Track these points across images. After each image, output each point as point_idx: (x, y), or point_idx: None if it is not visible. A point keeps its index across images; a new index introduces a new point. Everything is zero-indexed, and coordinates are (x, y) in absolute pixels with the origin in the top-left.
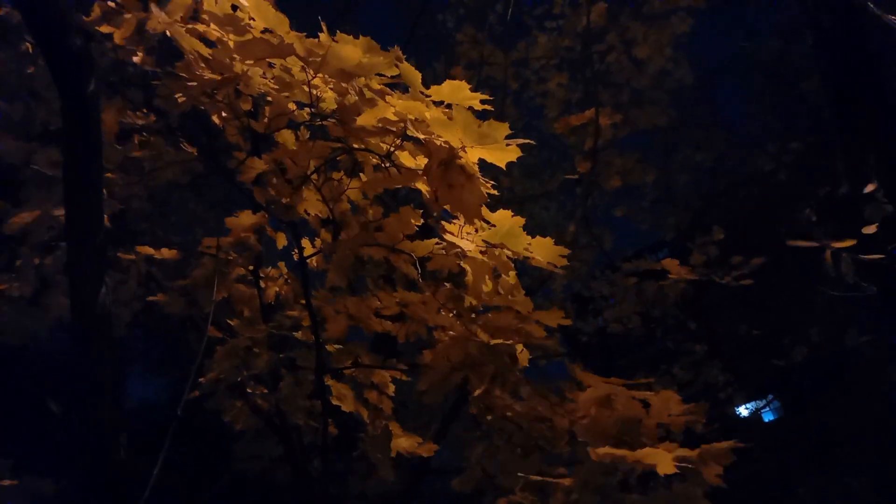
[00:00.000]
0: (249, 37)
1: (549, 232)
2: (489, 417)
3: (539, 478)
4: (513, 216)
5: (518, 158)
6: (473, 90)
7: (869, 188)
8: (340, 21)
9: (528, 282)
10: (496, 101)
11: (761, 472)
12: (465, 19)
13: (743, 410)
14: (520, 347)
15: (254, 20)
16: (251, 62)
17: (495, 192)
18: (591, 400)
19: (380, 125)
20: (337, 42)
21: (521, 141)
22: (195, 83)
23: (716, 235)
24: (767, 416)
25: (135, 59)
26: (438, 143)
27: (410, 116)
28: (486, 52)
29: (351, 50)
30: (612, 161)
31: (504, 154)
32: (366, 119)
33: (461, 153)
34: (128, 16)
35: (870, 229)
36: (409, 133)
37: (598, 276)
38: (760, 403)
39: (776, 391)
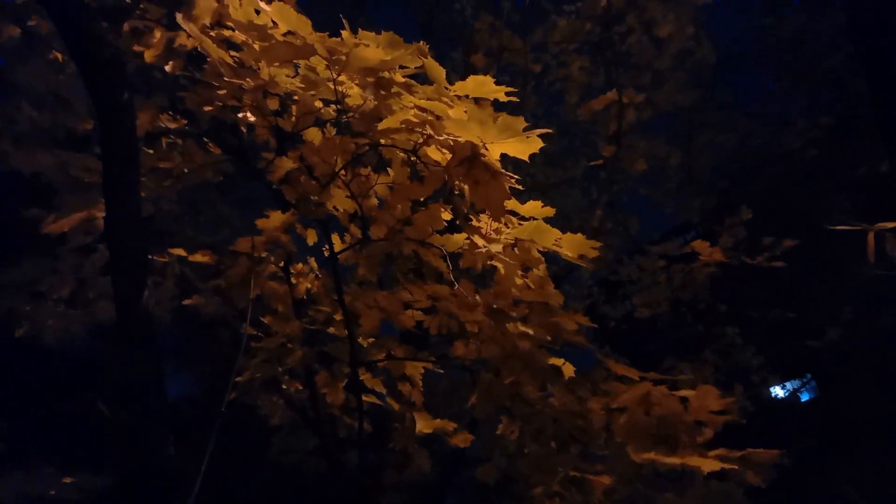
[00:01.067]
0: (273, 41)
1: (575, 219)
2: (521, 409)
3: (578, 474)
4: (542, 206)
5: (539, 146)
6: (494, 79)
7: None
8: (356, 14)
9: (555, 269)
10: (517, 88)
11: (799, 451)
12: (481, 7)
13: (779, 391)
14: (561, 361)
15: (277, 24)
16: (277, 65)
17: (520, 188)
18: (628, 399)
19: (403, 126)
20: (359, 40)
21: (541, 131)
22: (224, 90)
23: (744, 215)
24: (805, 396)
25: (166, 67)
26: (460, 141)
27: (429, 117)
28: (504, 39)
29: (373, 51)
30: (636, 144)
31: (525, 146)
32: (388, 123)
33: (483, 150)
34: (157, 35)
35: None
36: (428, 134)
37: (626, 260)
38: (797, 384)
39: (812, 371)
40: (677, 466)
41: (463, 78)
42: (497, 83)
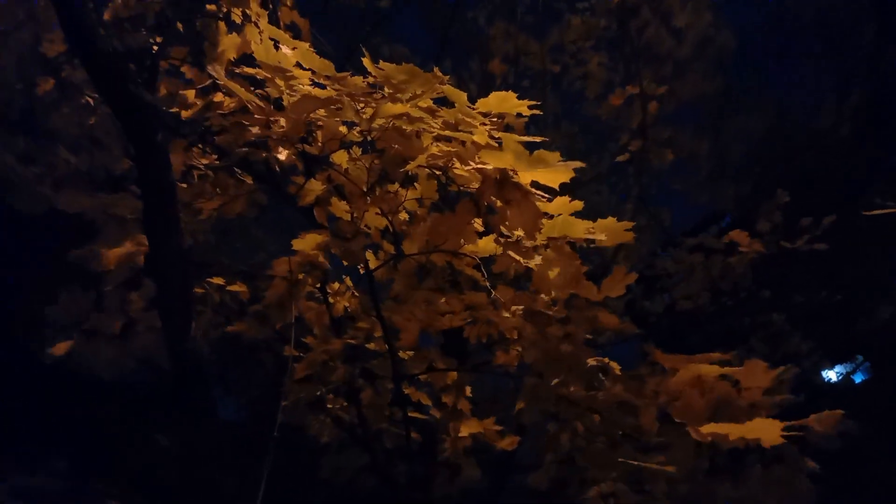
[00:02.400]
0: (296, 82)
1: (606, 216)
2: (568, 410)
3: (635, 465)
4: (570, 201)
5: (563, 145)
6: (509, 84)
7: None
8: (373, 34)
9: (591, 268)
10: (536, 91)
11: (857, 436)
12: (495, 14)
13: (832, 375)
14: (606, 360)
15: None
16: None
17: (544, 205)
18: (682, 382)
19: (429, 160)
20: (381, 70)
21: (573, 164)
22: (256, 128)
23: (780, 199)
24: (858, 378)
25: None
26: (488, 168)
27: (454, 148)
28: (520, 44)
29: (399, 106)
30: (662, 136)
31: (556, 175)
32: (415, 164)
33: (512, 174)
34: (196, 99)
35: None
36: (455, 172)
37: (661, 254)
38: (850, 367)
39: (865, 353)
40: (739, 443)
41: (481, 87)
42: (516, 87)
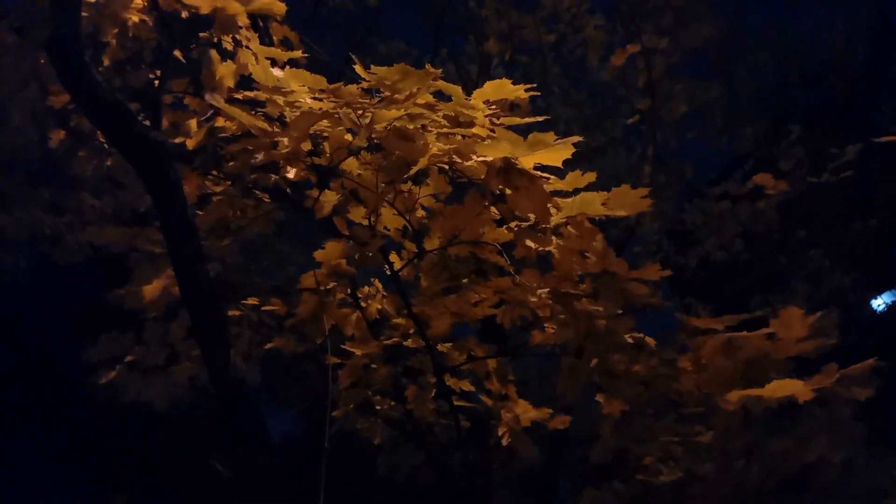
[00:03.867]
0: (294, 97)
1: (626, 179)
2: (611, 382)
3: (676, 439)
4: (582, 174)
5: (573, 115)
6: (506, 63)
7: None
8: (368, 34)
9: (617, 233)
10: (536, 64)
11: None
12: None
13: (879, 304)
14: (641, 335)
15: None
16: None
17: (557, 181)
18: (710, 349)
19: (431, 161)
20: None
21: (572, 139)
22: (262, 153)
23: (795, 134)
24: None
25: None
26: (490, 159)
27: (452, 146)
28: (513, 20)
29: (393, 111)
30: (671, 90)
31: (557, 154)
32: (417, 167)
33: (515, 161)
34: (195, 128)
35: None
36: (456, 169)
37: (687, 207)
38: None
39: None
40: (772, 403)
41: (480, 69)
42: (515, 64)
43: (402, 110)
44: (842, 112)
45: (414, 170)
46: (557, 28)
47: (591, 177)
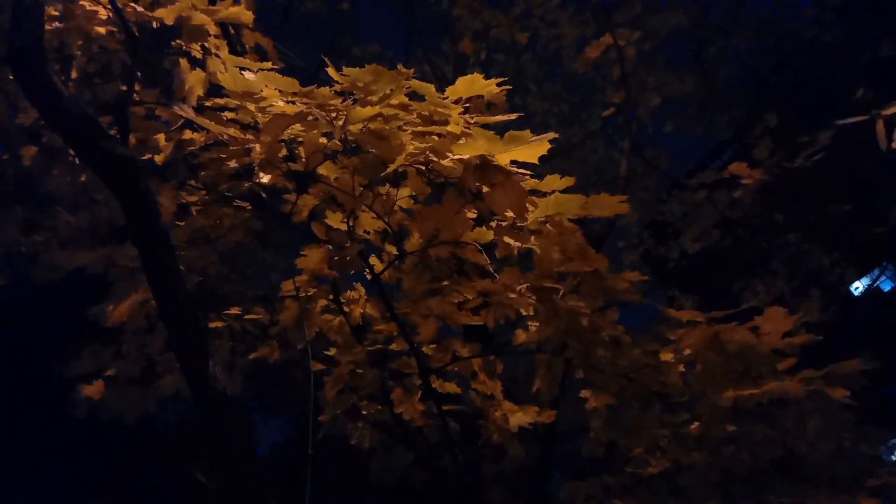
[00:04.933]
0: (267, 103)
1: (606, 172)
2: (596, 375)
3: (664, 433)
4: (561, 176)
5: (549, 109)
6: (482, 61)
7: None
8: (341, 36)
9: (598, 227)
10: (511, 61)
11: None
12: None
13: (858, 286)
14: (621, 328)
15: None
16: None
17: (536, 183)
18: (697, 344)
19: (408, 161)
20: (348, 79)
21: (548, 136)
22: (233, 161)
23: (769, 122)
24: (886, 286)
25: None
26: (467, 156)
27: (428, 144)
28: (487, 18)
29: (368, 110)
30: (644, 80)
31: (533, 150)
32: (394, 166)
33: (491, 158)
34: (164, 143)
35: None
36: (433, 168)
37: (667, 198)
38: (875, 275)
39: (889, 258)
40: (761, 397)
41: (455, 68)
42: (490, 62)
43: (377, 108)
44: (816, 95)
45: (391, 168)
46: (531, 24)
47: (569, 181)
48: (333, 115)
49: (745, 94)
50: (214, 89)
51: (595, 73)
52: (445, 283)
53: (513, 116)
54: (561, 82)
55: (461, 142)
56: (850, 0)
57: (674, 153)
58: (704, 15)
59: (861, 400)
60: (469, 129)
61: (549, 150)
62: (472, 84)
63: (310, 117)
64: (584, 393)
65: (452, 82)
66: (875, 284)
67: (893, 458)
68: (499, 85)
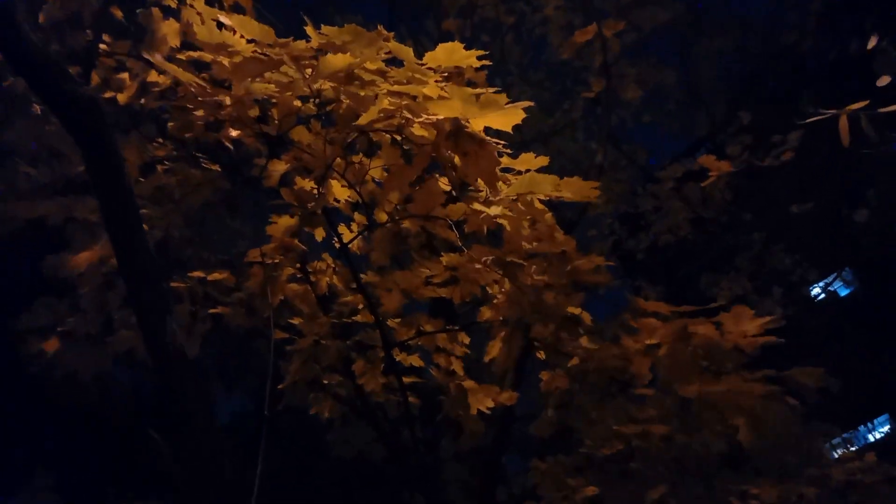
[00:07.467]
0: (240, 58)
1: (583, 162)
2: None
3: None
4: (536, 157)
5: (531, 94)
6: (467, 39)
7: (872, 42)
8: (324, 4)
9: (569, 214)
10: (495, 43)
11: (847, 349)
12: None
13: (817, 290)
14: (578, 310)
15: (242, 35)
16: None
17: (508, 152)
18: (667, 335)
19: (381, 115)
20: (324, 36)
21: (522, 104)
22: (201, 111)
23: (743, 121)
24: (843, 291)
25: (142, 102)
26: (441, 118)
27: (405, 101)
28: None
29: (341, 58)
30: (626, 72)
31: (508, 118)
32: (366, 118)
33: (465, 123)
34: (127, 79)
35: (882, 81)
36: (411, 131)
37: (640, 191)
38: (835, 280)
39: (850, 264)
40: (724, 395)
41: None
42: (474, 42)
43: (349, 57)
44: (792, 98)
45: (363, 119)
46: (517, 6)
47: (543, 160)
48: (308, 70)
49: (725, 94)
50: (189, 46)
51: (578, 63)
52: (414, 257)
53: (493, 90)
54: (545, 70)
55: (437, 101)
56: (830, 6)
57: (651, 150)
58: (690, 15)
59: (811, 397)
60: (445, 92)
61: (526, 136)
62: (453, 53)
63: (281, 63)
64: (542, 374)
65: None
66: (831, 287)
67: (836, 454)
68: (479, 60)
